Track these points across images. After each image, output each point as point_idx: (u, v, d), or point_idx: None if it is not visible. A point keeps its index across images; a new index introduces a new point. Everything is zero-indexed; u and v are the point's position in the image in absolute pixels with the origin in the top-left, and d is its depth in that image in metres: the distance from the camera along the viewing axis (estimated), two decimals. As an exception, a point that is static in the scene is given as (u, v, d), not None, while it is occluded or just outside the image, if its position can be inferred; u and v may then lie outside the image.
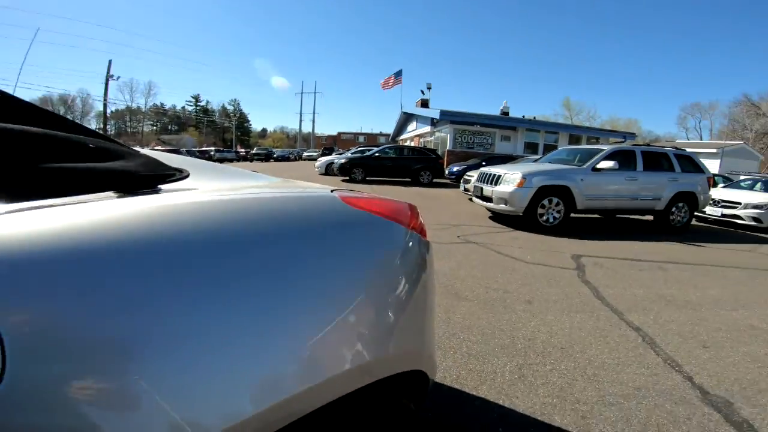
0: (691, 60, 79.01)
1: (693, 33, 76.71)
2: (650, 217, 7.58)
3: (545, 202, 6.18)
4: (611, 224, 7.60)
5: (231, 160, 32.59)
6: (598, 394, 1.84)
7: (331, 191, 0.87)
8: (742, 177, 13.11)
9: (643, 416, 1.69)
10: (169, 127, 69.60)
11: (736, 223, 8.81)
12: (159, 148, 29.88)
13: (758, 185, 10.42)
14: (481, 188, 6.85)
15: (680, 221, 7.24)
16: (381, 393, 0.77)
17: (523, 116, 19.97)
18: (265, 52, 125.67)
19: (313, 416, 0.59)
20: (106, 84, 31.93)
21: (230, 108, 72.95)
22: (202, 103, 70.54)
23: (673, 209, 7.07)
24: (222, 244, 0.58)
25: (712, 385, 1.97)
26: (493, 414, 1.67)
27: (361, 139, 57.53)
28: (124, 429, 0.44)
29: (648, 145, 8.10)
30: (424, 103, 20.51)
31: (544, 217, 6.20)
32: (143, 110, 67.47)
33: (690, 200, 7.19)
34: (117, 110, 65.65)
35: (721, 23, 72.04)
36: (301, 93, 54.93)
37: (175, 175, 0.82)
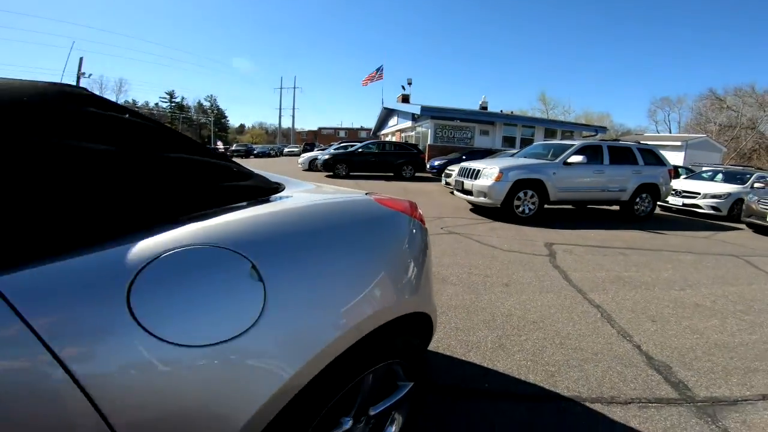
0: (661, 55, 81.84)
1: (663, 28, 79.42)
2: (617, 208, 8.14)
3: (521, 194, 6.59)
4: (582, 214, 8.12)
5: (210, 156, 31.96)
6: (564, 358, 2.20)
7: (366, 194, 1.24)
8: (704, 168, 13.96)
9: (599, 375, 2.05)
10: None
11: (696, 211, 9.50)
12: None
13: (718, 176, 11.17)
14: (462, 182, 7.21)
15: (644, 211, 7.82)
16: (402, 329, 1.14)
17: (501, 111, 20.58)
18: (242, 48, 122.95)
19: (371, 335, 0.95)
20: (77, 82, 30.80)
21: (207, 104, 71.24)
22: (177, 100, 68.59)
23: (637, 200, 7.63)
24: (317, 229, 0.92)
25: (656, 353, 2.35)
26: (479, 374, 2.00)
27: (342, 134, 57.45)
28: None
29: (617, 139, 8.66)
30: (405, 99, 20.78)
31: (520, 209, 6.63)
32: None
33: (653, 191, 7.77)
34: None
35: (691, 19, 74.82)
36: (280, 88, 53.97)
37: (279, 188, 1.17)
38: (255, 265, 0.73)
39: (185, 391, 0.63)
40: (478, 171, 6.86)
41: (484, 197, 6.62)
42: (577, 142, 7.55)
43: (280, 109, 54.75)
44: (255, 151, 35.07)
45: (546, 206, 6.99)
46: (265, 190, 1.07)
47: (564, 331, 2.54)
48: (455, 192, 7.70)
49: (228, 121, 75.16)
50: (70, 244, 0.62)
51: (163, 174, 0.82)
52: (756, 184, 9.96)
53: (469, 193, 6.99)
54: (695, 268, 4.38)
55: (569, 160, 6.94)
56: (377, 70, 21.99)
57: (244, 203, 0.93)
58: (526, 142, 17.64)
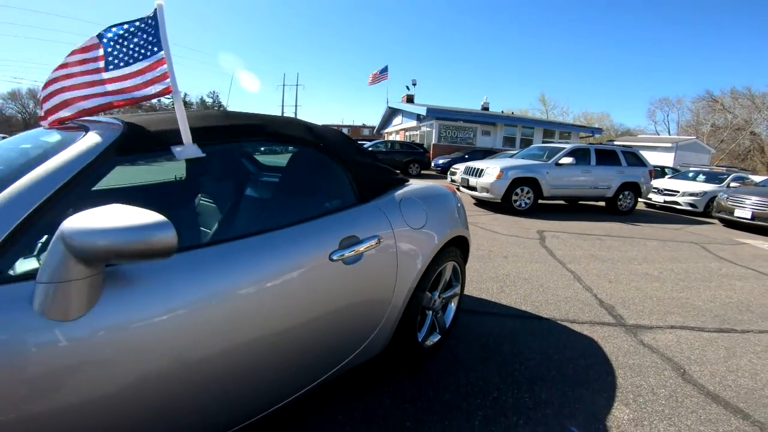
0: (661, 55, 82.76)
1: (663, 29, 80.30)
2: (603, 204, 9.23)
3: (518, 190, 7.68)
4: (572, 208, 9.20)
5: (218, 152, 32.97)
6: (545, 299, 3.28)
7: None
8: (691, 168, 15.05)
9: (567, 309, 3.13)
10: None
11: (676, 208, 10.58)
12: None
13: (700, 176, 12.24)
14: (467, 179, 8.29)
15: (626, 206, 8.91)
16: (457, 243, 2.20)
17: (502, 111, 21.61)
18: (243, 44, 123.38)
19: (447, 243, 2.02)
20: None
21: (209, 101, 71.98)
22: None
23: (620, 196, 8.73)
24: (431, 194, 2.01)
25: (606, 299, 3.43)
26: (489, 304, 3.09)
27: (345, 131, 58.60)
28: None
29: (612, 140, 9.70)
30: (410, 99, 21.81)
31: (518, 203, 7.71)
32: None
33: (634, 189, 8.86)
34: None
35: (693, 19, 75.65)
36: (283, 85, 54.80)
37: (408, 179, 2.18)
38: (422, 203, 1.85)
39: (417, 240, 1.74)
40: (482, 170, 7.93)
41: (487, 192, 7.70)
42: (568, 146, 8.63)
43: (283, 105, 55.52)
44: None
45: (540, 201, 8.07)
46: (405, 180, 2.09)
47: (546, 285, 3.63)
48: (461, 188, 8.77)
49: None
50: (376, 195, 1.73)
51: (388, 173, 1.93)
52: (732, 184, 11.04)
53: (473, 189, 8.07)
54: (656, 250, 5.47)
55: (560, 162, 8.02)
56: (382, 70, 22.91)
57: (403, 185, 1.98)
58: (526, 142, 18.71)
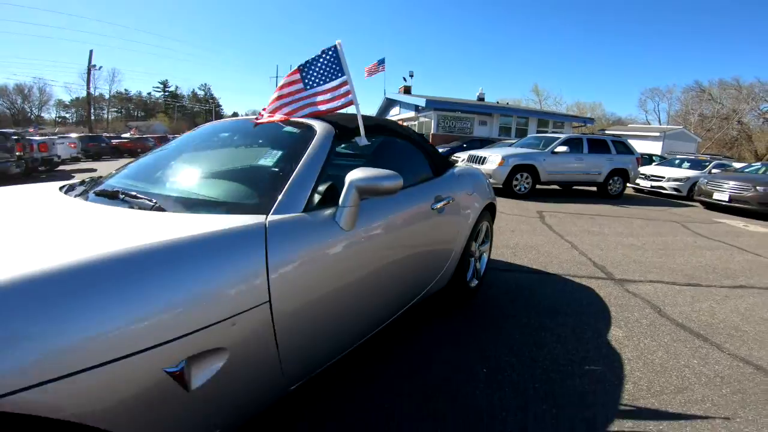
0: (653, 45, 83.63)
1: (655, 19, 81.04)
2: (595, 188, 9.99)
3: (518, 176, 8.38)
4: (566, 193, 9.96)
5: (215, 143, 33.13)
6: (549, 261, 4.00)
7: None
8: (677, 156, 15.90)
9: (568, 267, 3.84)
10: (135, 114, 67.24)
11: (662, 192, 11.41)
12: (132, 134, 29.83)
13: (685, 163, 13.08)
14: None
15: (616, 190, 9.69)
16: (488, 208, 2.89)
17: (498, 101, 22.24)
18: (236, 36, 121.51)
19: (485, 208, 2.76)
20: (88, 74, 31.69)
21: (201, 93, 71.41)
22: (171, 89, 68.59)
23: (610, 181, 9.49)
24: (472, 173, 2.73)
25: (598, 261, 4.16)
26: (506, 264, 3.80)
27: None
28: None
29: (604, 129, 10.41)
30: (407, 90, 22.30)
31: (518, 188, 8.43)
32: (106, 97, 64.54)
33: (623, 175, 9.63)
34: (78, 98, 62.76)
35: (684, 10, 76.44)
36: (276, 77, 54.41)
37: (456, 162, 2.96)
38: (469, 178, 2.57)
39: (470, 203, 2.48)
40: (485, 158, 8.62)
41: (490, 178, 8.40)
42: (562, 135, 9.34)
43: (277, 96, 55.41)
44: (260, 138, 36.30)
45: (538, 186, 8.80)
46: (455, 162, 2.80)
47: (549, 252, 4.35)
48: (464, 175, 9.45)
49: (222, 109, 74.98)
50: (443, 172, 2.43)
51: (445, 157, 2.62)
52: (713, 171, 11.87)
53: (477, 175, 8.78)
54: (641, 227, 6.24)
55: (556, 150, 8.74)
56: (379, 62, 23.32)
57: (454, 165, 2.63)
58: (521, 131, 19.41)
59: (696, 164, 12.57)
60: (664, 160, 15.01)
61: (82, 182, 1.76)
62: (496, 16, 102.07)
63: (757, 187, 8.36)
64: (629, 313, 2.89)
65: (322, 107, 1.66)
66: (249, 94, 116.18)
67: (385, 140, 2.11)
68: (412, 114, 21.93)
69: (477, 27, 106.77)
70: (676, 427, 1.65)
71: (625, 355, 2.28)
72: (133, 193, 1.31)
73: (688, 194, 10.85)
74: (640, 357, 2.27)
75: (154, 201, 1.23)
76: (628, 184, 10.09)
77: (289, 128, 1.68)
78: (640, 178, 11.37)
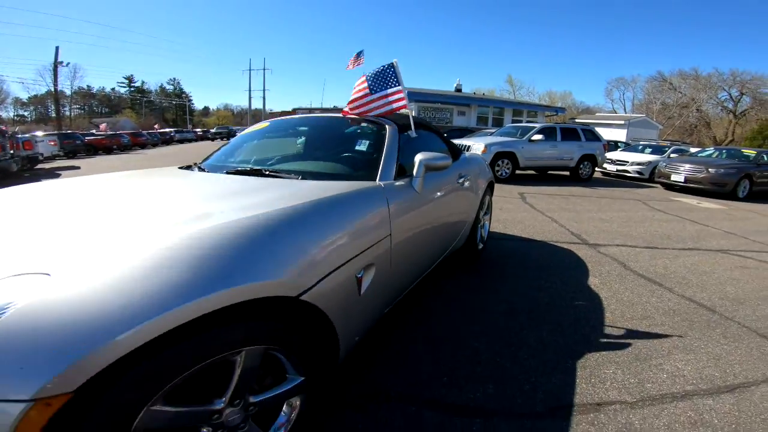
0: (619, 36, 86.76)
1: (623, 11, 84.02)
2: (568, 173, 10.88)
3: (500, 162, 9.12)
4: (542, 177, 10.80)
5: (191, 140, 32.66)
6: (535, 231, 4.69)
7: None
8: (640, 143, 17.12)
9: (550, 236, 4.55)
10: (99, 110, 64.24)
11: (626, 175, 12.45)
12: (104, 130, 28.96)
13: (647, 149, 14.20)
14: (456, 156, 9.68)
15: (586, 174, 10.60)
16: (488, 185, 3.53)
17: (474, 92, 23.05)
18: (207, 30, 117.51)
19: (488, 185, 3.44)
20: (55, 71, 30.43)
21: (170, 88, 69.01)
22: (137, 84, 65.96)
23: (581, 166, 10.39)
24: (477, 158, 3.43)
25: (575, 230, 4.90)
26: (501, 234, 4.46)
27: (317, 113, 58.25)
28: None
29: (574, 118, 11.29)
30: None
31: (499, 173, 9.17)
32: (68, 94, 61.34)
33: (592, 160, 10.55)
34: (36, 95, 59.38)
35: (650, 2, 79.53)
36: (249, 70, 53.47)
37: (463, 150, 3.52)
38: (476, 160, 3.21)
39: (478, 180, 3.16)
40: (469, 146, 9.30)
41: (474, 166, 9.13)
42: (538, 125, 10.14)
43: (250, 90, 54.74)
44: (236, 132, 35.88)
45: (517, 171, 9.57)
46: (462, 149, 3.34)
47: (533, 225, 5.06)
48: (449, 163, 10.14)
49: (192, 104, 72.46)
50: (458, 156, 3.03)
51: (456, 146, 3.20)
52: (672, 155, 13.01)
53: (461, 163, 9.47)
54: (608, 205, 7.08)
55: (532, 138, 9.52)
56: (358, 54, 23.62)
57: (462, 152, 3.23)
58: (497, 120, 20.31)
59: (657, 150, 13.70)
60: (628, 147, 16.16)
61: (197, 166, 2.26)
62: (470, 7, 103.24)
63: (709, 169, 9.40)
64: (602, 267, 3.60)
65: (385, 109, 2.23)
66: (220, 89, 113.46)
67: (423, 133, 2.66)
68: (392, 106, 22.44)
69: (452, 18, 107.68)
70: (645, 340, 2.33)
71: (602, 295, 2.96)
72: (268, 171, 1.84)
73: (649, 177, 11.90)
74: (613, 296, 2.95)
75: (299, 175, 1.78)
76: (596, 169, 11.03)
77: (366, 125, 2.26)
78: (607, 162, 12.36)
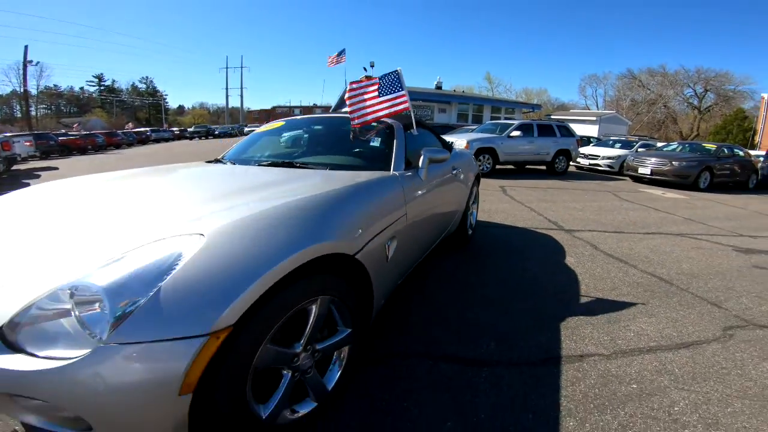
0: (592, 34, 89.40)
1: (597, 9, 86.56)
2: (545, 167, 11.45)
3: (481, 157, 9.56)
4: (520, 171, 11.33)
5: (168, 140, 31.98)
6: (517, 219, 5.11)
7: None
8: (610, 138, 18.01)
9: (530, 223, 4.97)
10: (67, 110, 61.64)
11: (598, 169, 13.17)
12: (76, 129, 28.06)
13: (617, 144, 15.01)
14: (439, 152, 10.09)
15: (561, 168, 11.20)
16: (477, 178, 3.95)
17: (454, 90, 23.58)
18: (183, 27, 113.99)
19: (476, 178, 3.81)
20: (24, 70, 29.19)
21: (142, 86, 66.80)
22: (107, 83, 63.56)
23: (557, 160, 10.98)
24: (466, 152, 3.85)
25: (552, 219, 5.35)
26: (486, 221, 4.85)
27: (297, 111, 58.01)
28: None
29: (549, 115, 11.90)
30: (368, 79, 23.01)
31: (481, 167, 9.61)
32: (34, 94, 58.37)
33: (566, 154, 11.15)
34: (1, 96, 56.41)
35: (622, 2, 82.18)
36: (226, 68, 52.76)
37: (453, 146, 3.80)
38: (465, 155, 3.56)
39: (468, 173, 3.53)
40: (452, 143, 9.68)
41: (457, 161, 9.56)
42: (516, 122, 10.64)
43: (227, 88, 53.52)
44: (216, 131, 35.34)
45: (497, 166, 10.05)
46: (452, 147, 3.65)
47: (515, 214, 5.48)
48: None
49: (167, 102, 70.09)
50: (450, 150, 3.36)
51: (446, 141, 3.53)
52: (639, 150, 13.82)
53: (445, 159, 9.89)
54: (582, 196, 7.62)
55: (511, 134, 10.02)
56: (339, 52, 23.76)
57: (454, 148, 3.57)
58: (476, 117, 20.88)
59: (626, 144, 14.52)
60: (599, 142, 17.01)
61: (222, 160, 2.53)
62: (449, 4, 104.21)
63: (673, 162, 10.13)
64: (576, 249, 4.03)
65: (391, 110, 2.54)
66: (196, 87, 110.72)
67: (421, 131, 2.98)
68: (373, 103, 22.68)
69: (432, 16, 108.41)
70: (615, 306, 2.73)
71: (577, 271, 3.37)
72: (299, 164, 2.14)
73: (619, 170, 12.63)
74: (586, 272, 3.37)
75: (326, 167, 2.08)
76: (571, 163, 11.66)
77: (377, 125, 2.56)
78: (580, 157, 13.05)
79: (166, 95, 69.77)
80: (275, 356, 1.17)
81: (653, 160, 10.55)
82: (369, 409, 1.53)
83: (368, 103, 2.56)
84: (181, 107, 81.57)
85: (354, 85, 2.63)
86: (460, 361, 1.93)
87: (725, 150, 11.26)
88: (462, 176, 3.31)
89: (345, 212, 1.44)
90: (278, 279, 1.07)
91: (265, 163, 2.26)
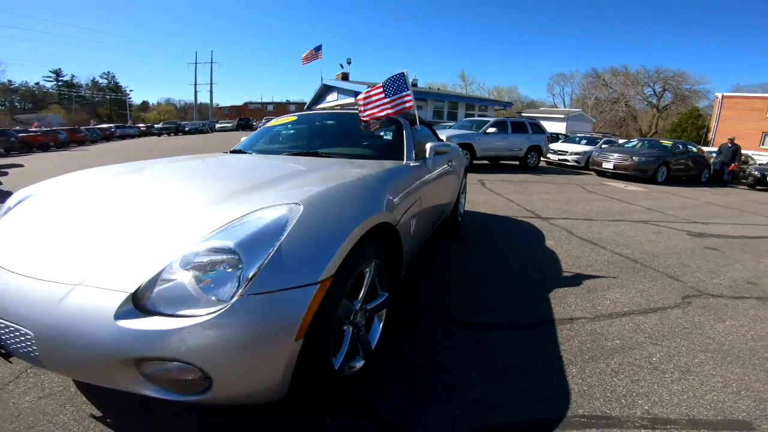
0: (561, 34, 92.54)
1: (566, 8, 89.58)
2: (517, 162, 12.03)
3: (460, 154, 9.98)
4: (495, 166, 11.87)
5: (134, 136, 30.78)
6: (498, 209, 5.50)
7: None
8: (577, 135, 18.97)
9: (510, 212, 5.37)
10: (22, 106, 57.82)
11: (566, 164, 13.94)
12: (36, 127, 26.49)
13: (583, 141, 15.88)
14: (419, 148, 10.43)
15: (533, 163, 11.82)
16: (466, 170, 4.29)
17: (429, 87, 24.01)
18: (151, 21, 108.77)
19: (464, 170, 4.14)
20: None
21: (103, 82, 63.52)
22: (66, 78, 60.06)
23: (529, 156, 11.57)
24: (455, 149, 3.97)
25: (530, 209, 5.78)
26: (473, 213, 5.20)
27: (270, 108, 56.85)
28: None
29: (520, 112, 12.46)
30: (345, 76, 23.08)
31: (460, 164, 10.04)
32: None
33: (538, 150, 11.77)
34: None
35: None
36: (195, 63, 50.95)
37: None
38: (456, 149, 3.84)
39: (460, 165, 3.88)
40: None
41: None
42: (491, 119, 11.13)
43: (196, 84, 51.67)
44: (187, 128, 34.22)
45: (474, 161, 10.50)
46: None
47: (496, 204, 5.89)
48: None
49: (130, 98, 66.73)
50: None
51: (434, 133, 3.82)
52: (603, 146, 14.70)
53: (425, 154, 10.25)
54: (553, 188, 8.16)
55: (487, 131, 10.49)
56: (315, 49, 23.62)
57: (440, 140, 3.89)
58: (451, 114, 21.41)
59: (591, 141, 15.41)
60: (567, 138, 17.89)
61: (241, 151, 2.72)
62: (426, 5, 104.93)
63: (633, 158, 10.90)
64: (553, 233, 4.44)
65: (397, 108, 2.80)
66: (163, 83, 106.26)
67: (422, 127, 3.26)
68: (351, 100, 22.77)
69: (407, 13, 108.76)
70: (592, 280, 3.11)
71: (556, 251, 3.77)
72: (324, 153, 2.38)
73: (585, 165, 13.41)
74: (564, 252, 3.76)
75: (349, 156, 2.34)
76: (541, 158, 12.30)
77: (386, 121, 2.82)
78: (550, 153, 13.76)
79: (131, 91, 66.75)
80: (346, 310, 1.39)
81: (616, 155, 11.29)
82: (405, 365, 1.80)
83: (376, 102, 2.81)
84: (145, 103, 78.30)
85: (364, 92, 2.90)
86: (470, 325, 2.23)
87: (680, 146, 12.20)
88: (456, 168, 3.62)
89: (386, 191, 1.71)
90: (357, 239, 1.31)
91: (293, 152, 2.49)
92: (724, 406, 1.64)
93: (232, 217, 1.21)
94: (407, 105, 2.81)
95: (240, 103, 63.04)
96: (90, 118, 46.94)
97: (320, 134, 3.00)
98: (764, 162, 14.17)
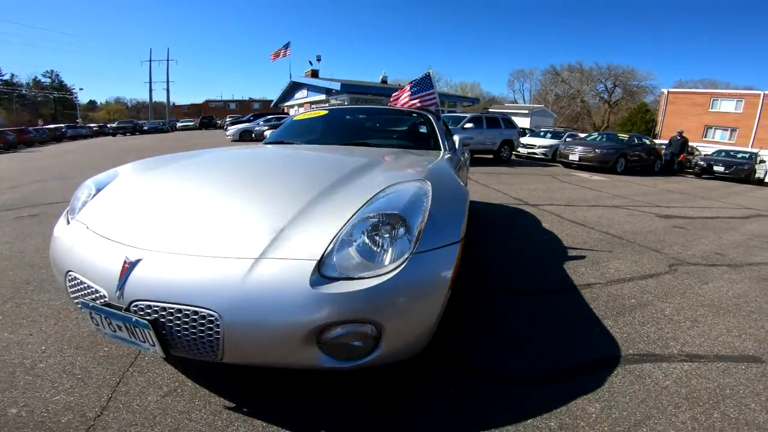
0: (520, 33, 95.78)
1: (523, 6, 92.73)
2: (491, 155, 12.59)
3: (440, 149, 10.33)
4: (472, 160, 12.34)
5: (86, 137, 28.91)
6: (489, 198, 5.86)
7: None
8: (542, 129, 19.96)
9: (501, 201, 5.74)
10: None
11: (535, 157, 14.71)
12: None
13: (548, 135, 16.78)
14: (400, 143, 10.69)
15: (506, 156, 12.42)
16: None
17: (399, 85, 24.40)
18: (98, 18, 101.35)
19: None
20: None
21: (46, 81, 58.84)
22: (5, 77, 55.06)
23: (502, 149, 12.15)
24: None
25: (517, 197, 6.19)
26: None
27: (233, 106, 54.96)
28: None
29: (486, 108, 13.03)
30: (314, 73, 22.94)
31: (440, 158, 10.40)
32: None
33: (510, 144, 12.38)
34: None
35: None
36: (150, 60, 48.11)
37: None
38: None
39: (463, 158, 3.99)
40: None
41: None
42: (468, 115, 11.58)
43: (150, 82, 48.64)
44: (145, 127, 32.43)
45: (453, 156, 10.90)
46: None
47: (486, 194, 6.25)
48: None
49: (76, 98, 62.11)
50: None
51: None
52: (568, 139, 15.62)
53: (406, 149, 10.52)
54: (529, 180, 8.70)
55: (464, 126, 10.92)
56: (284, 46, 23.33)
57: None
58: (421, 112, 21.82)
59: (555, 135, 16.32)
60: (533, 133, 18.83)
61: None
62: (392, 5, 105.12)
63: (596, 150, 11.73)
64: (546, 217, 4.84)
65: (420, 104, 3.03)
66: (112, 81, 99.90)
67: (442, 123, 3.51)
68: (322, 97, 22.68)
69: (375, 12, 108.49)
70: (592, 254, 3.50)
71: (554, 232, 4.15)
72: (371, 143, 2.58)
73: (552, 157, 14.24)
74: (561, 233, 4.15)
75: (394, 147, 2.55)
76: (513, 151, 12.94)
77: (416, 114, 3.02)
78: (520, 146, 14.48)
79: (80, 90, 62.28)
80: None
81: (580, 148, 12.10)
82: (481, 325, 2.08)
83: (403, 99, 3.04)
84: (92, 102, 73.37)
85: (394, 95, 3.13)
86: (506, 292, 2.52)
87: (636, 140, 13.24)
88: (467, 159, 3.89)
89: (458, 174, 1.96)
90: (466, 211, 1.57)
91: (343, 142, 2.64)
92: (734, 345, 2.03)
93: (363, 195, 1.34)
94: (430, 102, 3.06)
95: (200, 101, 60.62)
96: (31, 118, 43.24)
97: (358, 127, 3.16)
98: (708, 153, 15.65)
